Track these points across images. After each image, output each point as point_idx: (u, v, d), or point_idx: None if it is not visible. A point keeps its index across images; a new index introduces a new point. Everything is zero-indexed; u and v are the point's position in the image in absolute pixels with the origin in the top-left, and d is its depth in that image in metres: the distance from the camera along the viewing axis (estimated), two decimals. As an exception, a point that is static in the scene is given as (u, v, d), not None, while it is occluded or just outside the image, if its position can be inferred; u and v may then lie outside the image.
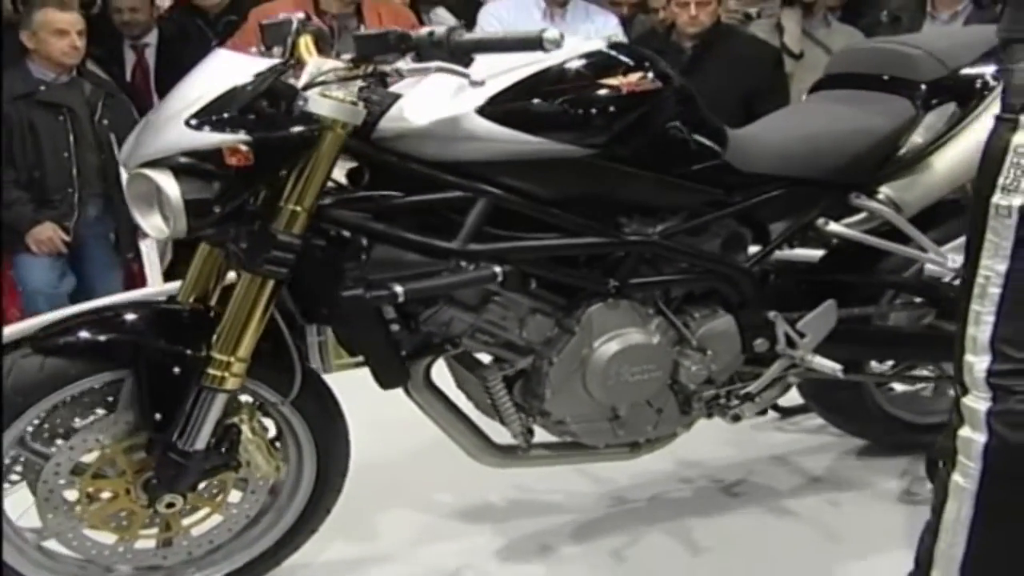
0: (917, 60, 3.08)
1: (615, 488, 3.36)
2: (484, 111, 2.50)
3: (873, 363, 3.42)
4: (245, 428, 2.56)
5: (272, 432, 2.71)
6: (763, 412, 3.21)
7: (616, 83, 2.60)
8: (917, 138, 3.03)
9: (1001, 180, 2.11)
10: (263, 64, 2.42)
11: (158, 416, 2.49)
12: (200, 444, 2.50)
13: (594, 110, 2.59)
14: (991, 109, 2.90)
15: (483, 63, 2.42)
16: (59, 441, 2.53)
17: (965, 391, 2.21)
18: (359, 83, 2.44)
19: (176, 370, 2.47)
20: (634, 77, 2.62)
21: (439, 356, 2.76)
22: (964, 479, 2.19)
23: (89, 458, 2.56)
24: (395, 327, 2.63)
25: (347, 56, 2.47)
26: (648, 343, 2.82)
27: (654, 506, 3.30)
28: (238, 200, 2.36)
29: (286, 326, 2.58)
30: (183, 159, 2.31)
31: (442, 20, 6.24)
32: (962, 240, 3.00)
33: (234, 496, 2.73)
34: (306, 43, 2.56)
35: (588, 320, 2.76)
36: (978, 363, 2.18)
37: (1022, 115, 2.12)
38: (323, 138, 2.38)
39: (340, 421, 2.77)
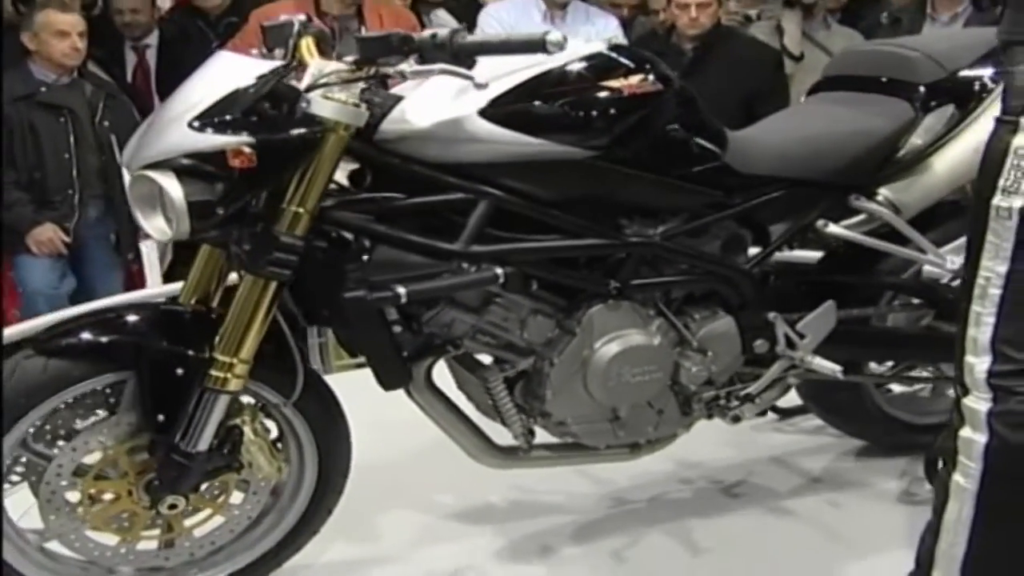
0: (916, 62, 3.09)
1: (615, 489, 3.37)
2: (486, 113, 2.51)
3: (872, 364, 3.44)
4: (247, 429, 2.57)
5: (274, 433, 2.71)
6: (763, 413, 3.22)
7: (617, 85, 2.60)
8: (916, 140, 3.04)
9: (1001, 182, 2.12)
10: (265, 66, 2.42)
11: (161, 417, 2.50)
12: (202, 445, 2.51)
13: (595, 112, 2.59)
14: (990, 111, 2.92)
15: (485, 65, 2.42)
16: (61, 443, 2.53)
17: (966, 392, 2.22)
18: (361, 85, 2.45)
19: (179, 371, 2.48)
20: (635, 79, 2.63)
21: (440, 357, 2.77)
22: (965, 479, 2.20)
23: (91, 459, 2.56)
24: (397, 328, 2.64)
25: (349, 58, 2.48)
26: (649, 344, 2.82)
27: (654, 507, 3.30)
28: (241, 202, 2.37)
29: (288, 327, 2.59)
30: (186, 161, 2.32)
31: (443, 22, 6.24)
32: (961, 241, 3.02)
33: (236, 497, 2.73)
34: (308, 45, 2.57)
35: (589, 321, 2.76)
36: (979, 364, 2.19)
37: (1022, 117, 2.12)
38: (326, 140, 2.38)
39: (341, 422, 2.77)
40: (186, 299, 2.71)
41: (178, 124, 2.32)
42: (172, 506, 2.59)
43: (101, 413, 2.55)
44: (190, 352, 2.49)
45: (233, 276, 2.66)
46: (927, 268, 3.17)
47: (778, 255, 3.07)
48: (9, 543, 2.55)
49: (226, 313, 2.51)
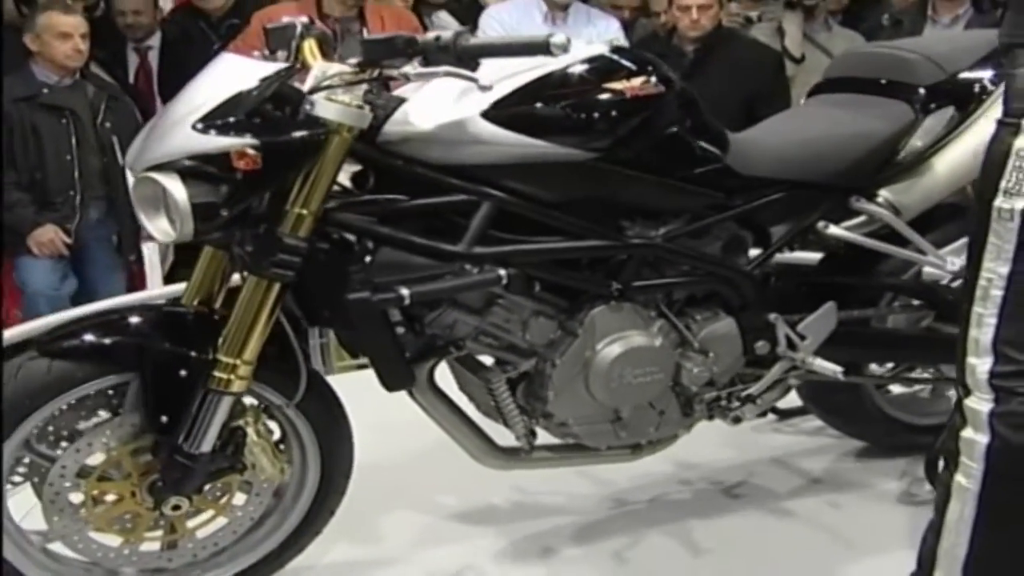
0: (915, 64, 3.10)
1: (616, 490, 3.37)
2: (489, 115, 2.52)
3: (872, 365, 3.44)
4: (250, 431, 2.57)
5: (276, 434, 2.71)
6: (763, 414, 3.23)
7: (619, 87, 2.61)
8: (916, 142, 3.05)
9: (1003, 184, 2.12)
10: (268, 68, 2.43)
11: (164, 419, 2.50)
12: (206, 446, 2.51)
13: (598, 114, 2.60)
14: (989, 113, 2.93)
15: (488, 67, 2.43)
16: (65, 444, 2.53)
17: (967, 392, 2.22)
18: (364, 87, 2.45)
19: (182, 373, 2.48)
20: (637, 81, 2.63)
21: (443, 358, 2.77)
22: (967, 480, 2.20)
23: (94, 461, 2.56)
24: (400, 329, 2.64)
25: (352, 60, 2.48)
26: (650, 345, 2.83)
27: (655, 508, 3.31)
28: (245, 203, 2.38)
29: (291, 329, 2.59)
30: (189, 162, 2.32)
31: (444, 23, 6.25)
32: (961, 243, 3.05)
33: (239, 498, 2.74)
34: (310, 47, 2.58)
35: (591, 322, 2.77)
36: (980, 365, 2.19)
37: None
38: (329, 142, 2.39)
39: (344, 423, 2.77)
40: (189, 300, 2.71)
41: (182, 126, 2.33)
42: (175, 507, 2.59)
43: (105, 414, 2.56)
44: (193, 354, 2.50)
45: (236, 277, 2.66)
46: (927, 269, 3.18)
47: (779, 256, 3.08)
48: (12, 544, 2.56)
49: (229, 314, 2.52)
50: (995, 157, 2.16)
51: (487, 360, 2.89)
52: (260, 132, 2.33)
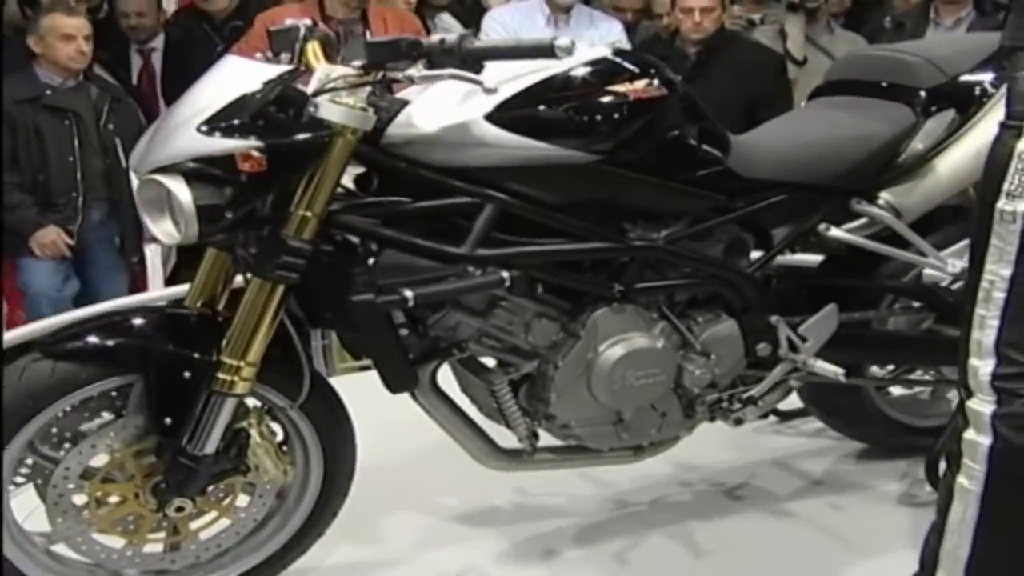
0: (916, 67, 3.11)
1: (618, 492, 3.38)
2: (492, 117, 2.52)
3: (873, 367, 3.45)
4: (254, 432, 2.57)
5: (279, 436, 2.71)
6: (764, 416, 3.23)
7: (622, 90, 2.62)
8: (917, 144, 3.06)
9: (1006, 186, 2.13)
10: (272, 71, 2.43)
11: (168, 420, 2.50)
12: (210, 448, 2.52)
13: (600, 117, 2.60)
14: (990, 115, 2.94)
15: (492, 70, 2.43)
16: (68, 445, 2.53)
17: (970, 394, 2.22)
18: (367, 89, 2.46)
19: (186, 375, 2.48)
20: (640, 84, 2.64)
21: (445, 360, 2.78)
22: (969, 481, 2.21)
23: (98, 462, 2.57)
24: (403, 331, 2.65)
25: (356, 62, 2.49)
26: (652, 347, 2.84)
27: (656, 509, 3.31)
28: (249, 206, 2.38)
29: (294, 330, 2.60)
30: (194, 164, 2.33)
31: (447, 25, 6.25)
32: (961, 245, 3.06)
33: (242, 500, 2.74)
34: (314, 49, 2.59)
35: (593, 324, 2.77)
36: (983, 367, 2.19)
37: (1026, 122, 2.14)
38: (333, 144, 2.39)
39: (347, 425, 2.77)
40: (192, 302, 2.71)
41: (186, 128, 2.33)
42: (179, 509, 2.59)
43: (108, 416, 2.56)
44: (197, 355, 2.50)
45: (239, 279, 2.66)
46: (927, 271, 3.18)
47: (780, 259, 3.08)
48: (16, 546, 2.56)
49: (232, 316, 2.52)
50: (997, 160, 2.17)
51: (489, 362, 2.89)
52: (264, 134, 2.33)
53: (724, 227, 2.94)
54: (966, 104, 3.07)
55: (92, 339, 2.52)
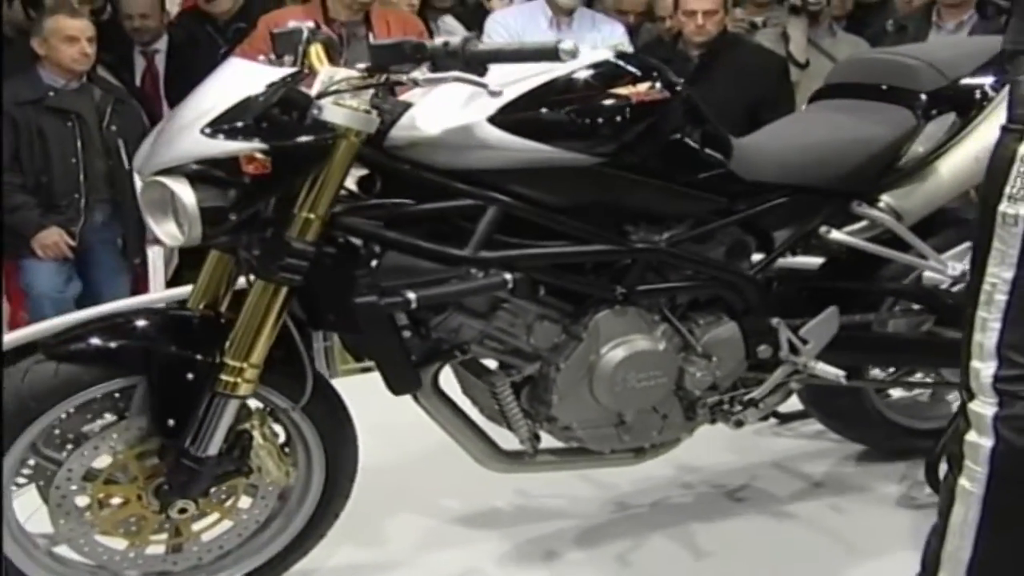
0: (917, 70, 3.11)
1: (619, 494, 3.38)
2: (495, 120, 2.52)
3: (873, 369, 3.46)
4: (256, 434, 2.57)
5: (281, 438, 2.71)
6: (764, 418, 3.24)
7: (625, 93, 2.62)
8: (918, 147, 3.06)
9: (1008, 189, 2.13)
10: (276, 73, 2.43)
11: (171, 422, 2.50)
12: (213, 450, 2.52)
13: (603, 119, 2.61)
14: (991, 119, 2.95)
15: (495, 73, 2.44)
16: (71, 447, 2.53)
17: (971, 396, 2.22)
18: (370, 92, 2.46)
19: (189, 376, 2.49)
20: (643, 87, 2.64)
21: (448, 362, 2.78)
22: (971, 483, 2.21)
23: (101, 464, 2.56)
24: (406, 333, 2.66)
25: (360, 65, 2.49)
26: (654, 350, 2.84)
27: (657, 511, 3.31)
28: (253, 208, 2.39)
29: (297, 332, 2.60)
30: (198, 166, 2.34)
31: (450, 28, 6.26)
32: (961, 247, 3.07)
33: (244, 501, 2.74)
34: (317, 52, 2.59)
35: (595, 327, 2.78)
36: (984, 369, 2.19)
37: (1028, 125, 2.15)
38: (337, 146, 2.40)
39: (348, 426, 2.77)
40: (195, 304, 2.71)
41: (190, 131, 2.34)
42: (181, 510, 2.59)
43: (111, 417, 2.56)
44: (200, 357, 2.50)
45: (241, 281, 2.67)
46: (927, 274, 3.18)
47: (781, 261, 3.09)
48: (18, 547, 2.56)
49: (235, 318, 2.52)
50: (999, 163, 2.17)
51: (491, 364, 2.89)
52: (269, 136, 2.34)
53: (726, 230, 2.95)
54: (967, 107, 3.08)
55: (95, 341, 2.52)
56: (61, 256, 5.48)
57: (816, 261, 3.28)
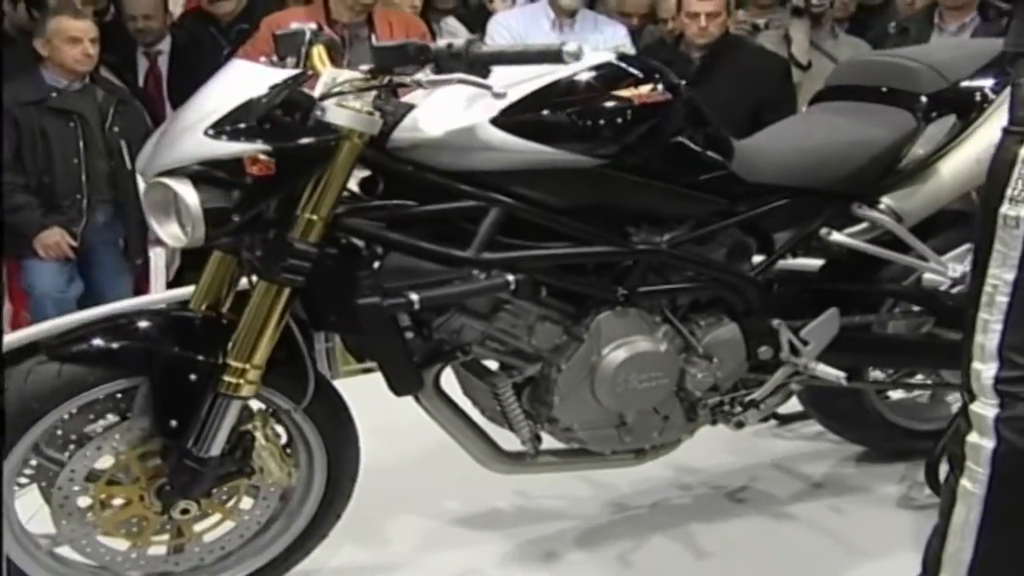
0: (918, 73, 3.12)
1: (619, 495, 3.39)
2: (498, 121, 2.53)
3: (873, 371, 3.46)
4: (259, 435, 2.57)
5: (283, 438, 2.72)
6: (764, 419, 3.24)
7: (627, 95, 2.63)
8: (918, 149, 3.07)
9: (1009, 191, 2.14)
10: (279, 75, 2.44)
11: (173, 423, 2.51)
12: (215, 450, 2.52)
13: (605, 121, 2.62)
14: (991, 121, 2.96)
15: (498, 74, 2.44)
16: (73, 448, 2.54)
17: (973, 398, 2.22)
18: (373, 93, 2.47)
19: (191, 377, 2.49)
20: (645, 89, 2.65)
21: (449, 363, 2.78)
22: (972, 484, 2.21)
23: (103, 465, 2.57)
24: (409, 334, 2.66)
25: (364, 67, 2.50)
26: (655, 351, 2.85)
27: (658, 512, 3.32)
28: (256, 209, 2.39)
29: (300, 333, 2.61)
30: (201, 167, 2.34)
31: (452, 29, 6.27)
32: (962, 249, 3.08)
33: (246, 502, 2.74)
34: (319, 53, 2.60)
35: (597, 328, 2.78)
36: (986, 370, 2.20)
37: (1030, 128, 2.15)
38: (340, 148, 2.40)
39: (350, 427, 2.78)
40: (197, 305, 2.71)
41: (193, 132, 2.34)
42: (184, 511, 2.60)
43: (113, 418, 2.56)
44: (202, 358, 2.50)
45: (244, 282, 2.67)
46: (928, 276, 3.19)
47: (782, 263, 3.10)
48: (20, 548, 2.57)
49: (237, 319, 2.53)
50: (1001, 165, 2.18)
51: (492, 365, 2.90)
52: (272, 138, 2.34)
53: (727, 231, 2.95)
54: (967, 109, 3.08)
55: (98, 342, 2.52)
56: (63, 256, 5.48)
57: (816, 263, 3.29)
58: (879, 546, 3.09)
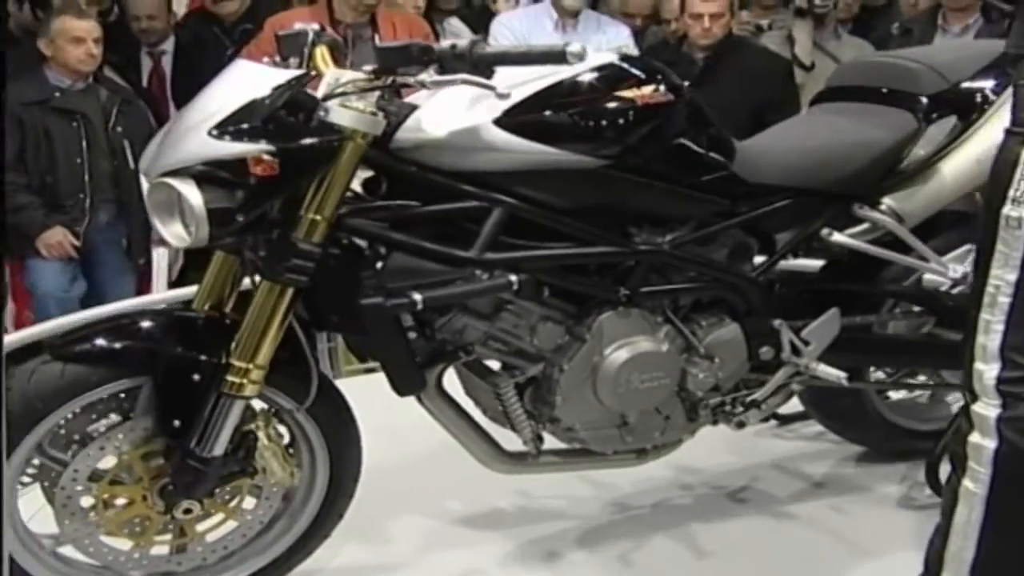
0: (919, 74, 3.12)
1: (620, 495, 3.39)
2: (501, 122, 2.54)
3: (874, 371, 3.47)
4: (261, 435, 2.58)
5: (286, 438, 2.72)
6: (765, 419, 3.25)
7: (630, 96, 2.63)
8: (919, 150, 3.07)
9: (1011, 192, 2.14)
10: (282, 75, 2.44)
11: (176, 423, 2.51)
12: (218, 450, 2.52)
13: (608, 122, 2.62)
14: (992, 122, 2.96)
15: (501, 75, 2.45)
16: (76, 447, 2.54)
17: (975, 398, 2.22)
18: (376, 94, 2.47)
19: (194, 377, 2.49)
20: (647, 90, 2.66)
21: (451, 363, 2.78)
22: (974, 484, 2.21)
23: (106, 464, 2.57)
24: (412, 335, 2.66)
25: (367, 67, 2.50)
26: (657, 351, 2.85)
27: (659, 512, 3.32)
28: (259, 209, 2.39)
29: (303, 333, 2.61)
30: (205, 168, 2.34)
31: (455, 30, 6.27)
32: (962, 250, 3.08)
33: (248, 502, 2.74)
34: (322, 54, 2.60)
35: (599, 328, 2.79)
36: (988, 371, 2.20)
37: (1032, 128, 2.16)
38: (343, 148, 2.40)
39: (352, 427, 2.78)
40: (200, 305, 2.72)
41: (197, 132, 2.35)
42: (186, 511, 2.60)
43: (116, 418, 2.56)
44: (205, 358, 2.51)
45: (247, 282, 2.68)
46: (928, 276, 3.19)
47: (783, 263, 3.10)
48: (23, 548, 2.57)
49: (240, 319, 2.53)
50: (1003, 166, 2.18)
51: (494, 365, 2.90)
52: (276, 138, 2.34)
53: (728, 232, 2.96)
54: (968, 111, 3.09)
55: (101, 341, 2.53)
56: (65, 256, 5.49)
57: (818, 263, 3.29)
58: (880, 546, 3.09)
